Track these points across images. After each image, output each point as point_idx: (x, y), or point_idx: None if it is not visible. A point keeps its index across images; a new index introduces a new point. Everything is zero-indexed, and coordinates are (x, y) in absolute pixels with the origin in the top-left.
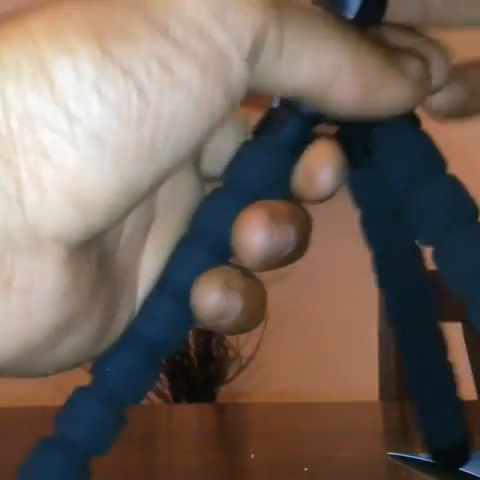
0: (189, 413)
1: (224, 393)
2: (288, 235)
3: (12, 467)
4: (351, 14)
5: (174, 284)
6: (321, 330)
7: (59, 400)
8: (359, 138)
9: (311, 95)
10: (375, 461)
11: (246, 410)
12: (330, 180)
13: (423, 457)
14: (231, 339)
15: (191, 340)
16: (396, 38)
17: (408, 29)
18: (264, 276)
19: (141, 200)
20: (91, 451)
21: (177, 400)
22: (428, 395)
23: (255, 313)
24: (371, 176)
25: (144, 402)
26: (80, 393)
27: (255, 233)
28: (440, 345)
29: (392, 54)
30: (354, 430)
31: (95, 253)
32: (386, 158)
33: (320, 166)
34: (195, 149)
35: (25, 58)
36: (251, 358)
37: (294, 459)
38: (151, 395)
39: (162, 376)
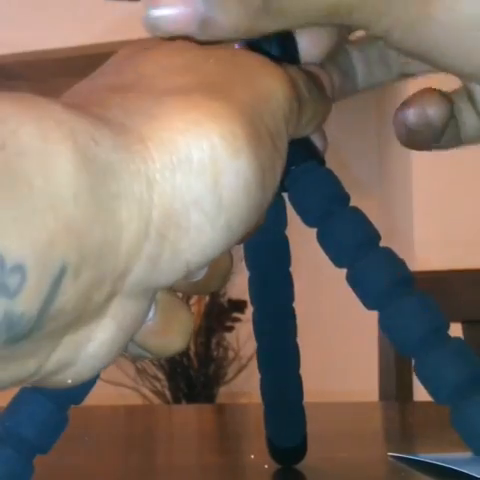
0: (188, 413)
1: (224, 393)
2: None
3: None
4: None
5: None
6: (321, 330)
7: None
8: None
9: None
10: (375, 461)
11: (246, 410)
12: None
13: (423, 457)
14: (231, 339)
15: (191, 340)
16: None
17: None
18: None
19: None
20: (37, 447)
21: (176, 400)
22: (276, 400)
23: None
24: None
25: (144, 402)
26: (26, 392)
27: None
28: (294, 359)
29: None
30: (354, 430)
31: None
32: (299, 194)
33: None
34: None
35: (200, 154)
36: (251, 358)
37: None
38: (151, 395)
39: (161, 376)
